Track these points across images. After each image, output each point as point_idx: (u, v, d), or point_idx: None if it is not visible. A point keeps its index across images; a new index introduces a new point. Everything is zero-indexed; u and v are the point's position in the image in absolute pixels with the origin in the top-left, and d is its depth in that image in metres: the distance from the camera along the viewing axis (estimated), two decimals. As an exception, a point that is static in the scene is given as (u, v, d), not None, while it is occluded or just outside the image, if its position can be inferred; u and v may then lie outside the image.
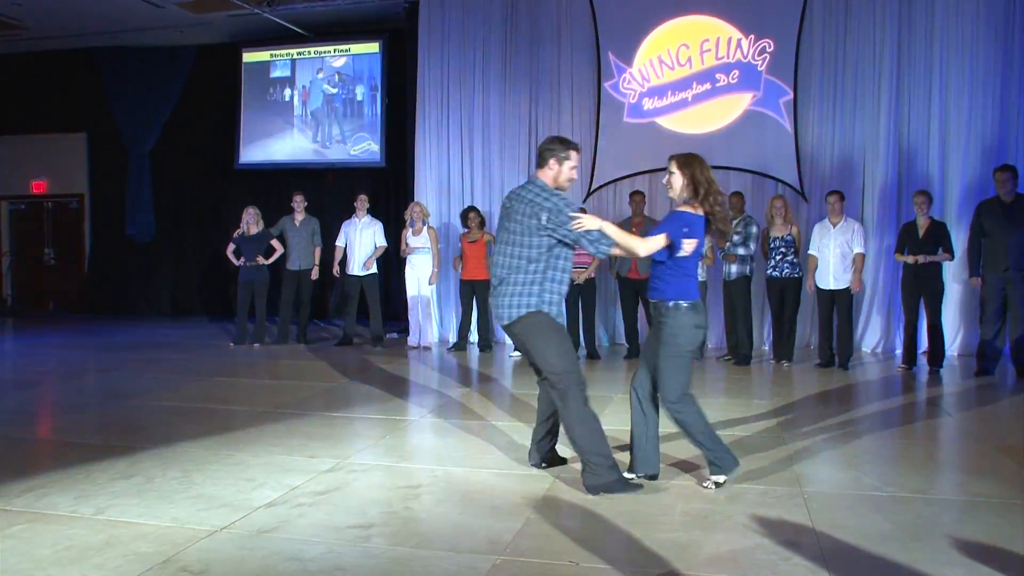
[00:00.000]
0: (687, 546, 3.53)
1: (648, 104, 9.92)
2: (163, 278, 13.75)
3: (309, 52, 12.48)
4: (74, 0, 11.20)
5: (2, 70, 14.02)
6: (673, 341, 4.29)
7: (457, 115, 10.61)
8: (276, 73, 12.66)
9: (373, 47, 12.19)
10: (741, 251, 8.42)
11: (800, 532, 3.68)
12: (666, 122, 9.88)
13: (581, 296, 8.96)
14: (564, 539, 3.60)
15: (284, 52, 12.59)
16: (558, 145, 4.43)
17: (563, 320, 4.50)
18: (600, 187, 10.07)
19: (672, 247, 4.26)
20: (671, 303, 4.30)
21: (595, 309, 9.20)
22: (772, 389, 7.47)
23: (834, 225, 8.17)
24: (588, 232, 4.23)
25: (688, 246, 4.23)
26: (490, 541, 3.58)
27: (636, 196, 9.00)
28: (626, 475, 4.38)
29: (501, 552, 3.45)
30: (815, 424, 6.02)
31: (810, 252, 8.32)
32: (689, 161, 4.32)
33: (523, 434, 5.54)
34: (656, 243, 4.27)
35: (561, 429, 4.55)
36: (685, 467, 4.76)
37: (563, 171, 4.39)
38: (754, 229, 8.47)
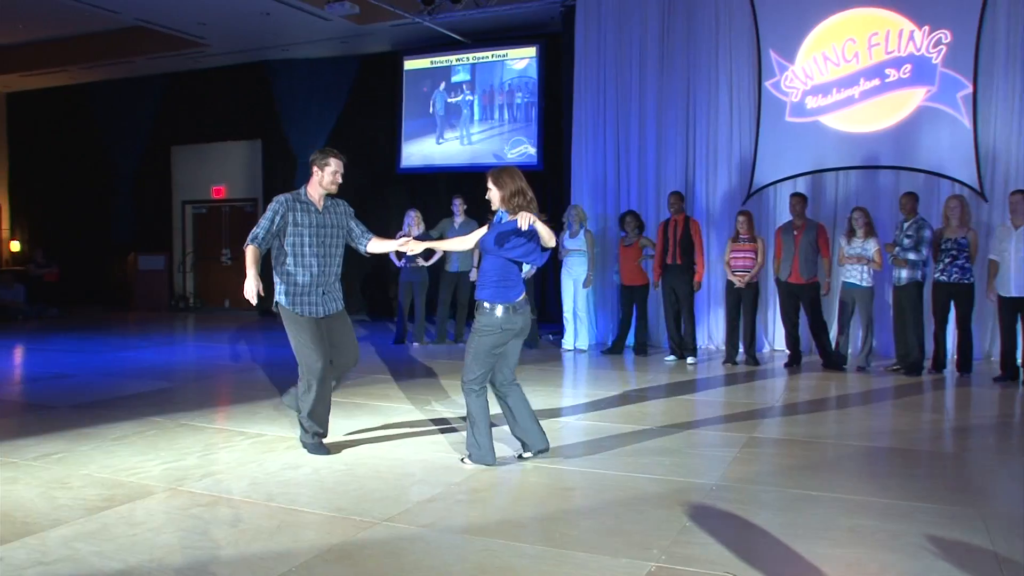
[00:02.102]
0: (852, 564, 3.37)
1: (811, 102, 9.54)
2: (328, 278, 14.37)
3: (468, 58, 12.74)
4: (251, 18, 11.92)
5: (188, 85, 15.15)
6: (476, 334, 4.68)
7: (613, 117, 10.54)
8: (432, 80, 13.00)
9: (530, 52, 12.32)
10: (912, 256, 7.95)
11: (980, 556, 3.44)
12: (830, 121, 9.46)
13: (741, 301, 8.72)
14: (721, 548, 3.51)
15: (443, 59, 12.91)
16: (318, 154, 5.10)
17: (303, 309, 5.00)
18: (760, 189, 9.75)
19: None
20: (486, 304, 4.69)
21: (756, 314, 8.90)
22: (948, 402, 7.05)
23: (1016, 227, 7.59)
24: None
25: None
26: (644, 547, 3.53)
27: (795, 198, 8.65)
28: (524, 455, 4.91)
29: (656, 559, 3.40)
30: (997, 442, 5.63)
31: (991, 256, 7.77)
32: (500, 175, 4.67)
33: (681, 440, 5.49)
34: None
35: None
36: (844, 478, 4.55)
37: (325, 176, 5.06)
38: (927, 233, 7.97)
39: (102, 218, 16.14)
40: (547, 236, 4.51)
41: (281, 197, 5.02)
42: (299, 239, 4.96)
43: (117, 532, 3.70)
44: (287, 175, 14.37)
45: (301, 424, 5.12)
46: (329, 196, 5.17)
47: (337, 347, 5.13)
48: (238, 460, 4.94)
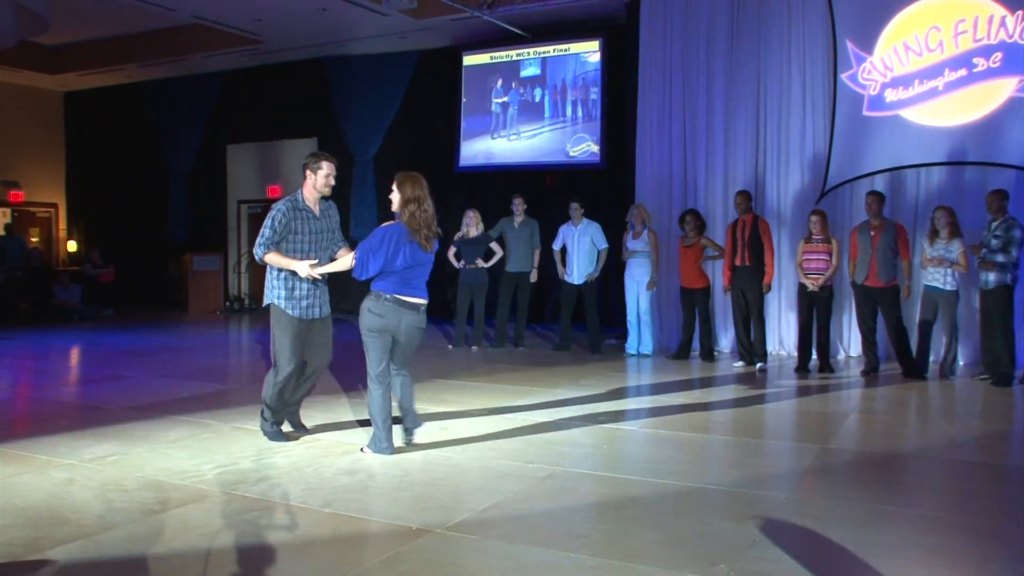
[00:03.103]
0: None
1: (891, 95, 9.06)
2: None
3: (529, 53, 12.46)
4: (307, 14, 11.84)
5: (243, 83, 15.14)
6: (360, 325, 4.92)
7: (679, 113, 10.17)
8: (494, 75, 12.76)
9: (592, 46, 12.01)
10: (1000, 258, 7.46)
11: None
12: (911, 114, 8.96)
13: (814, 305, 8.29)
14: (793, 564, 3.32)
15: (503, 54, 12.67)
16: (311, 158, 5.22)
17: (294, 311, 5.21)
18: (834, 187, 9.29)
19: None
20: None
21: (830, 319, 8.45)
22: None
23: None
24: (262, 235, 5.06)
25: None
26: (710, 561, 3.35)
27: (872, 197, 8.19)
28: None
29: (723, 574, 3.23)
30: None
31: (1088, 258, 7.28)
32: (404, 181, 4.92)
33: (750, 449, 5.32)
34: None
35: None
36: (926, 493, 4.22)
37: (318, 179, 5.17)
38: (1016, 232, 7.47)
39: (157, 218, 16.22)
40: (338, 268, 5.07)
41: (281, 206, 5.13)
42: (298, 246, 5.15)
43: (172, 536, 3.67)
44: (343, 174, 14.16)
45: (262, 414, 5.40)
46: (324, 199, 5.31)
47: (316, 347, 5.34)
48: (293, 464, 4.86)
